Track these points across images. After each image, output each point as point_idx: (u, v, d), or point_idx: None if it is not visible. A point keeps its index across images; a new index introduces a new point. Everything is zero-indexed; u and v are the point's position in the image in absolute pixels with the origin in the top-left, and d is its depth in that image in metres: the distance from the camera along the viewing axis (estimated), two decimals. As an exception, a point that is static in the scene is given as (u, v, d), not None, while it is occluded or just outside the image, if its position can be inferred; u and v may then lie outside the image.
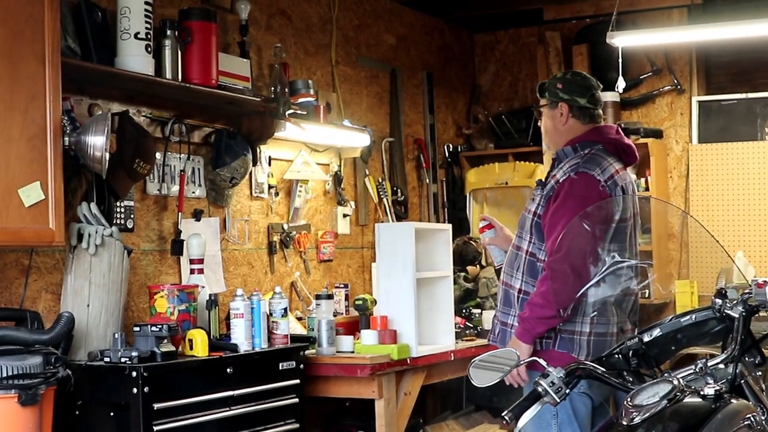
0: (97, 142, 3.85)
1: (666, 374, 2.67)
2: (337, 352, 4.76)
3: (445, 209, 6.95)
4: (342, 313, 5.39)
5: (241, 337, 4.38)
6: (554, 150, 3.94)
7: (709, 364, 2.67)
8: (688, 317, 2.92)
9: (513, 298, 3.80)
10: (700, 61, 6.78)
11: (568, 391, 2.69)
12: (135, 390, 3.80)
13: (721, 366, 2.68)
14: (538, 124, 4.02)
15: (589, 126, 3.87)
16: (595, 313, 3.51)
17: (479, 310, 5.74)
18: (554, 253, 3.56)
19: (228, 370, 4.20)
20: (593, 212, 3.55)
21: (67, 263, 4.06)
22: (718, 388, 2.54)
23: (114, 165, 4.10)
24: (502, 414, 2.71)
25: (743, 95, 6.58)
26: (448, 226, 5.25)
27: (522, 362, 2.94)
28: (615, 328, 3.61)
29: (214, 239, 4.95)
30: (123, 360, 3.84)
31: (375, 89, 6.33)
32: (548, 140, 3.96)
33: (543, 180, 3.88)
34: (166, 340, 3.97)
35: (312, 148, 5.63)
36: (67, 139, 3.81)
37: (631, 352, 2.91)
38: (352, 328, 5.08)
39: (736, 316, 2.75)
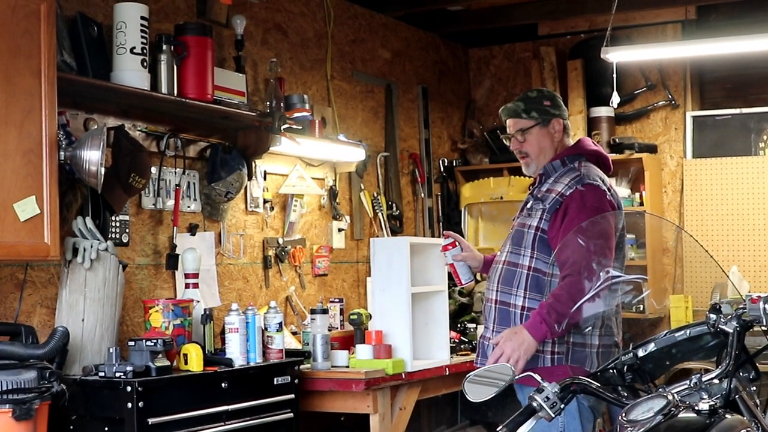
0: (93, 157, 3.85)
1: (660, 389, 2.66)
2: (332, 366, 4.76)
3: (440, 224, 6.95)
4: (337, 328, 5.38)
5: (235, 352, 4.38)
6: (538, 168, 3.90)
7: (704, 379, 2.66)
8: (682, 332, 2.92)
9: (514, 316, 3.76)
10: (694, 76, 6.80)
11: (563, 406, 2.69)
12: (129, 405, 3.80)
13: (716, 381, 2.67)
14: (513, 148, 3.92)
15: (569, 140, 3.91)
16: (602, 324, 3.50)
17: (474, 325, 5.73)
18: (576, 263, 3.48)
19: (223, 384, 4.20)
20: (609, 219, 3.58)
21: (62, 277, 4.06)
22: (712, 403, 2.54)
23: (109, 179, 4.11)
24: (497, 429, 2.71)
25: (737, 110, 6.59)
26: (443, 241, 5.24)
27: (518, 377, 2.93)
28: (617, 339, 3.61)
29: (209, 254, 4.95)
30: (118, 374, 3.83)
31: (370, 104, 6.34)
32: (542, 159, 3.87)
33: (533, 195, 3.85)
34: (160, 355, 3.97)
35: (307, 162, 5.64)
36: (62, 153, 3.81)
37: (625, 366, 2.91)
38: (347, 342, 5.07)
39: (731, 331, 2.74)
